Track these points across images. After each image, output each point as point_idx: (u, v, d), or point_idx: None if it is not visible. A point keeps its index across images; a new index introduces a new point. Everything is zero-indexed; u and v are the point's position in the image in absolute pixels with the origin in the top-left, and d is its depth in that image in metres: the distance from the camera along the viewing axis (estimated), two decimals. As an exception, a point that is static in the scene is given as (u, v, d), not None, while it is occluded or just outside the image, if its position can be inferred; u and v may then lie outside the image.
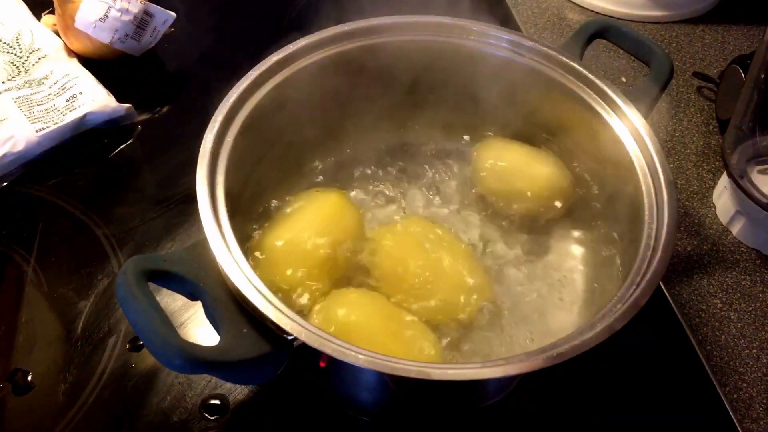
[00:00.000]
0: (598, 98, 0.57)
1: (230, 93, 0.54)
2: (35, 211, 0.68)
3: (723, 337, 0.64)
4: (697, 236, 0.72)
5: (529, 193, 0.59)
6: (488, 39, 0.61)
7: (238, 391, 0.56)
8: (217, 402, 0.55)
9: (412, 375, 0.40)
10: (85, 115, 0.72)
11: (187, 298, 0.46)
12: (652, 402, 0.58)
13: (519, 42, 0.60)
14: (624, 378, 0.59)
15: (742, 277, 0.68)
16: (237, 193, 0.53)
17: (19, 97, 0.72)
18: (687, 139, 0.81)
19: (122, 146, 0.74)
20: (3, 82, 0.74)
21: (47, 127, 0.70)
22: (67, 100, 0.72)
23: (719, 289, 0.67)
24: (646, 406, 0.58)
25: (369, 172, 0.63)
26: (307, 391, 0.56)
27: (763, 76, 0.67)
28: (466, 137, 0.65)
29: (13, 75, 0.75)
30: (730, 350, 0.63)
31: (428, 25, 0.61)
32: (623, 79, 0.87)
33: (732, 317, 0.65)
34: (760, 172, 0.70)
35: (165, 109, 0.79)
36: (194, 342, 0.57)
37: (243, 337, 0.43)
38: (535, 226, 0.60)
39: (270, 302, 0.43)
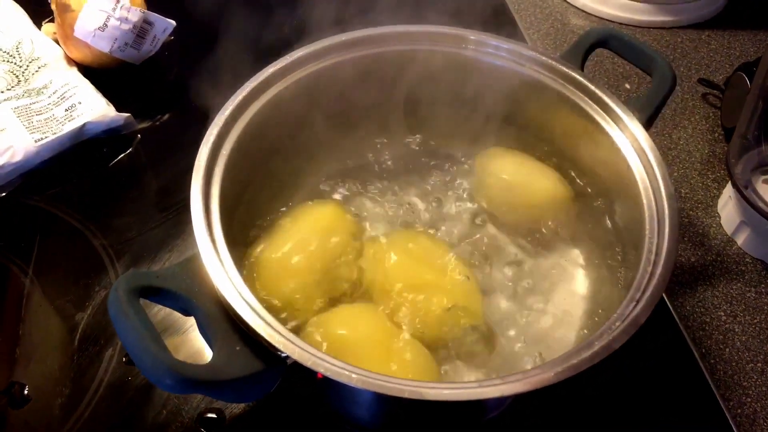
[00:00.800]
0: (598, 109, 0.57)
1: (226, 105, 0.53)
2: (33, 221, 0.68)
3: (727, 350, 0.63)
4: (701, 246, 0.71)
5: (529, 207, 0.58)
6: (487, 48, 0.60)
7: (234, 406, 0.55)
8: (214, 416, 0.55)
9: (406, 395, 0.39)
10: (84, 124, 0.71)
11: (181, 314, 0.46)
12: (654, 416, 0.57)
13: (518, 51, 0.60)
14: (625, 391, 0.58)
15: (747, 288, 0.67)
16: (233, 206, 0.52)
17: (18, 107, 0.72)
18: (692, 146, 0.80)
19: (121, 155, 0.74)
20: (2, 92, 0.74)
21: (46, 138, 0.70)
22: (66, 110, 0.72)
23: (723, 301, 0.66)
24: (647, 419, 0.57)
25: (366, 183, 0.62)
26: (304, 406, 0.55)
27: (768, 84, 0.66)
28: (465, 147, 0.64)
29: (12, 84, 0.75)
30: (734, 364, 0.62)
31: (427, 34, 0.60)
32: (627, 86, 0.86)
33: (736, 330, 0.64)
34: (766, 182, 0.69)
35: (165, 117, 0.79)
36: (197, 351, 0.57)
37: (236, 354, 0.43)
38: (535, 240, 0.59)
39: (263, 319, 0.42)
